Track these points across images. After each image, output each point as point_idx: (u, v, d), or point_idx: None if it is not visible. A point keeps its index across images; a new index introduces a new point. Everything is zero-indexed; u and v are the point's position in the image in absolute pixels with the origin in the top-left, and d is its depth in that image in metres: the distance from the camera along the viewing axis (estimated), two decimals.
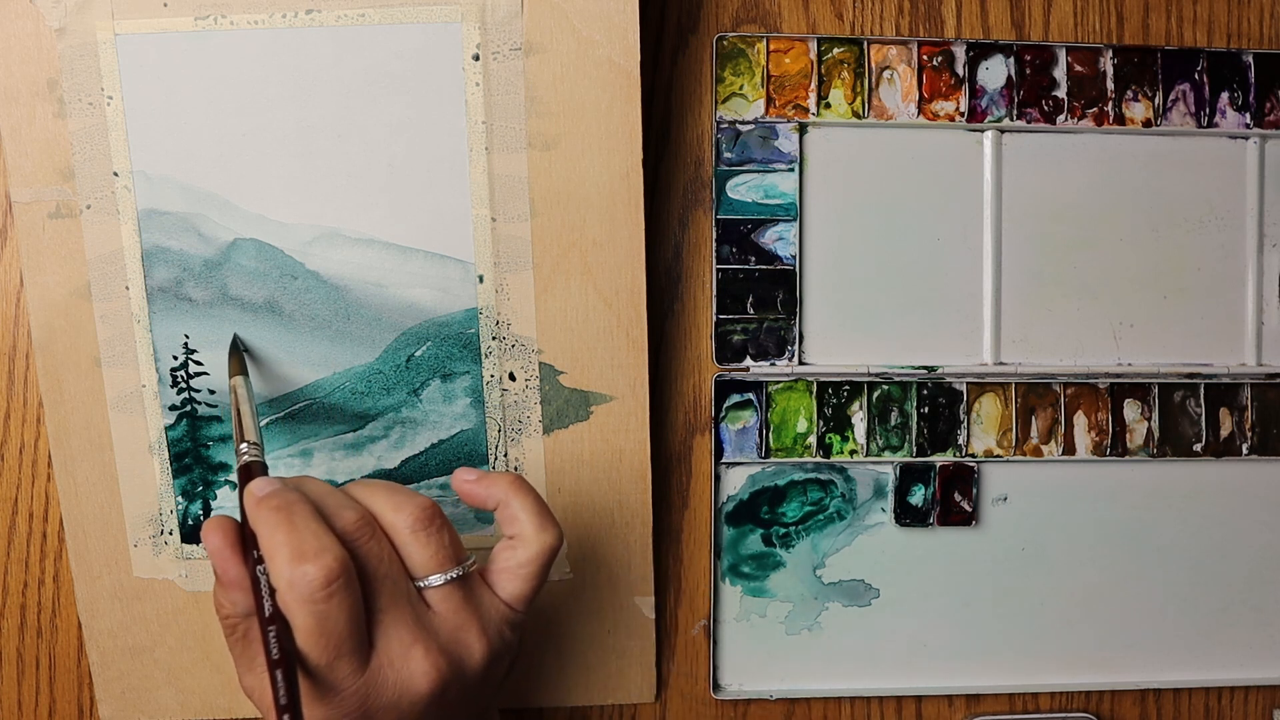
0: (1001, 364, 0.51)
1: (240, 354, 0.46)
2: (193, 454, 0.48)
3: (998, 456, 0.52)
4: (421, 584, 0.37)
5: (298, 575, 0.33)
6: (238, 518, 0.37)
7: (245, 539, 0.36)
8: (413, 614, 0.36)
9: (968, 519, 0.52)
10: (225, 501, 0.48)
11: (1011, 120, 0.51)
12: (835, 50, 0.50)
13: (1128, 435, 0.52)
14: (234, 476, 0.48)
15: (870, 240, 0.51)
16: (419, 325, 0.47)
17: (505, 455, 0.48)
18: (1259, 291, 0.52)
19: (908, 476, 0.52)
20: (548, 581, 0.49)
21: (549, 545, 0.39)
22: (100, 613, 0.49)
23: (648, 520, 0.49)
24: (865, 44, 0.50)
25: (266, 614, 0.34)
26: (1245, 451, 0.52)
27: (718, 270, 0.50)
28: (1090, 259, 0.52)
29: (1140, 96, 0.51)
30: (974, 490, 0.52)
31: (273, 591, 0.34)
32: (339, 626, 0.34)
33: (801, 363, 0.51)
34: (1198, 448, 0.52)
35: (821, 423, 0.51)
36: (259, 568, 0.35)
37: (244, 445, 0.39)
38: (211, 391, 0.47)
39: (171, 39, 0.45)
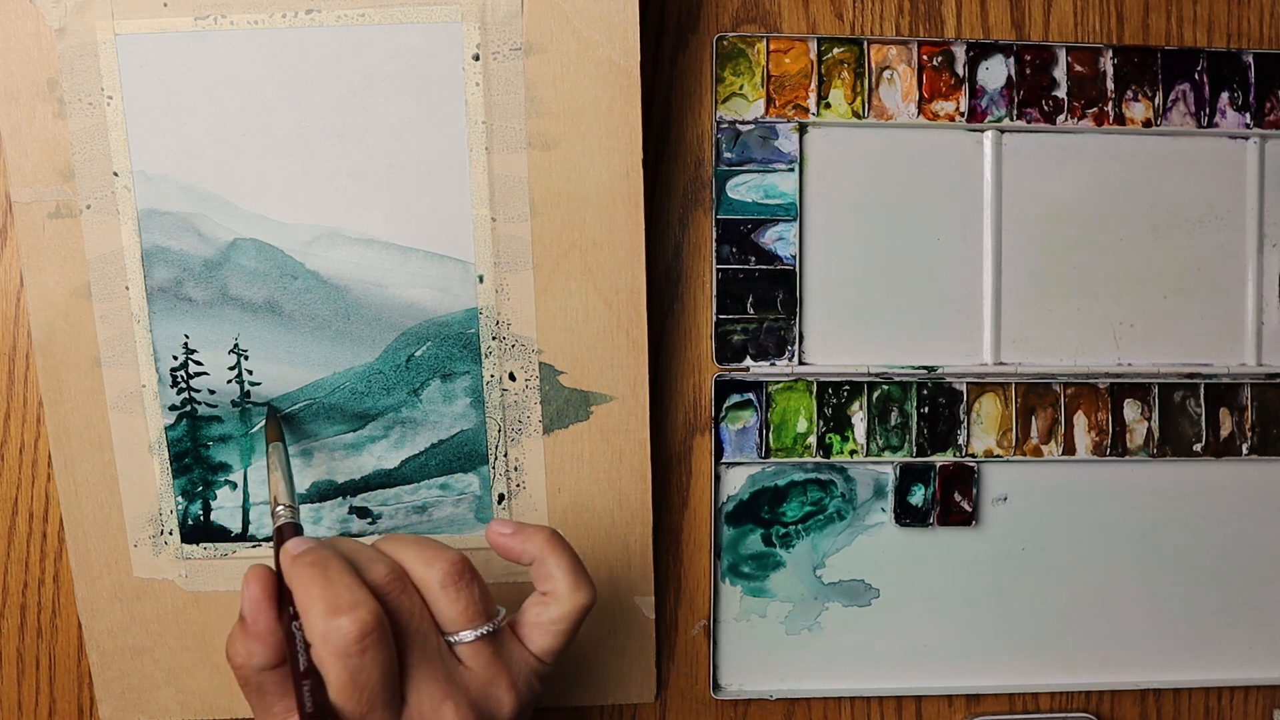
0: (1001, 364, 0.51)
1: (277, 420, 0.46)
2: (193, 454, 0.48)
3: (998, 456, 0.52)
4: (452, 639, 0.37)
5: (333, 629, 0.34)
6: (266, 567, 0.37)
7: (281, 595, 0.36)
8: (444, 669, 0.36)
9: (968, 519, 0.52)
10: (225, 502, 0.48)
11: (1011, 120, 0.51)
12: (835, 50, 0.50)
13: (1128, 435, 0.52)
14: (234, 477, 0.48)
15: (870, 240, 0.51)
16: (419, 325, 0.47)
17: (505, 455, 0.48)
18: (1259, 291, 0.52)
19: (908, 476, 0.52)
20: None
21: (582, 605, 0.39)
22: (100, 613, 0.49)
23: (648, 520, 0.49)
24: (865, 44, 0.50)
25: (301, 668, 0.35)
26: (1245, 451, 0.52)
27: (718, 270, 0.50)
28: (1090, 259, 0.52)
29: (1140, 96, 0.51)
30: (974, 490, 0.52)
31: (307, 647, 0.35)
32: (372, 680, 0.34)
33: (801, 363, 0.51)
34: (1198, 448, 0.52)
35: (821, 423, 0.51)
36: (294, 624, 0.35)
37: (280, 508, 0.40)
38: (211, 391, 0.47)
39: (171, 39, 0.45)
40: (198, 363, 0.47)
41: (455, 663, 0.37)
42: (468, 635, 0.37)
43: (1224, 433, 0.52)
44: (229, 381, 0.47)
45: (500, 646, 0.38)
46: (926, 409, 0.51)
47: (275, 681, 0.36)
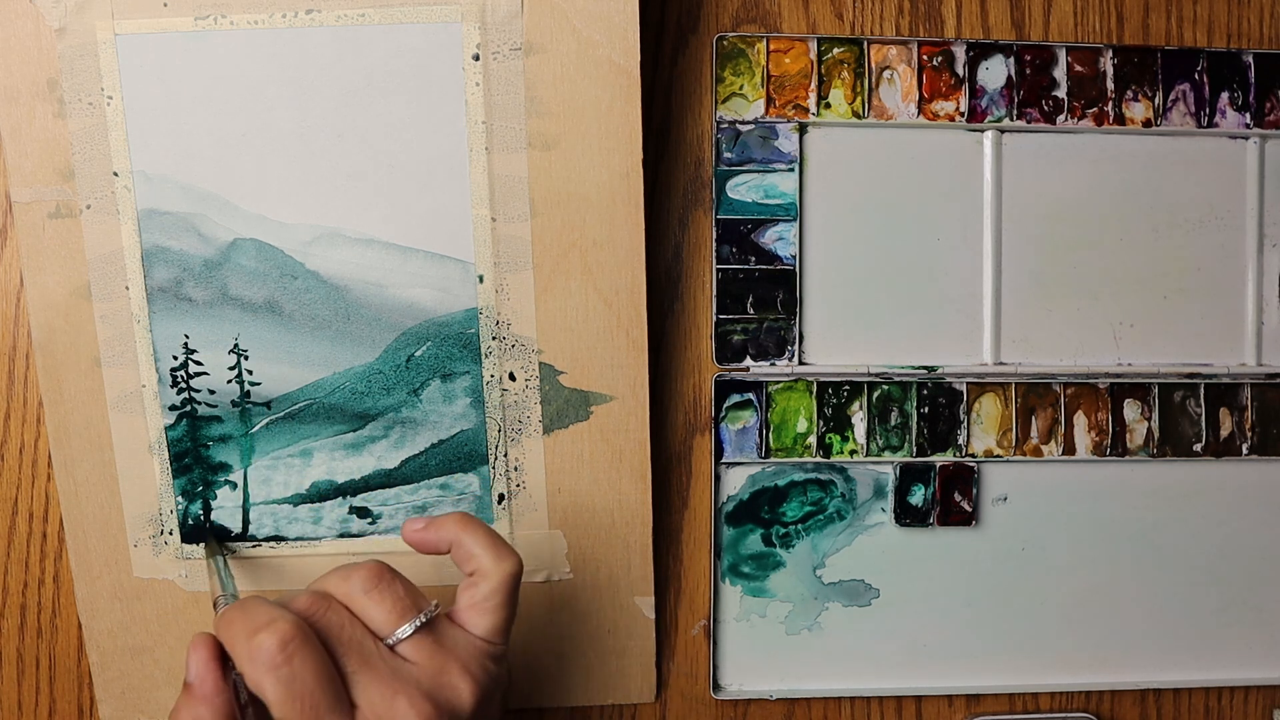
0: (1001, 364, 0.51)
1: (213, 537, 0.48)
2: (193, 454, 0.48)
3: (998, 456, 0.52)
4: (390, 640, 0.37)
5: (255, 646, 0.34)
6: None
7: (225, 660, 0.37)
8: (387, 668, 0.36)
9: (968, 519, 0.52)
10: (225, 501, 0.48)
11: (1011, 120, 0.51)
12: (835, 50, 0.50)
13: (1128, 435, 0.52)
14: (234, 477, 0.48)
15: (870, 240, 0.51)
16: (419, 325, 0.47)
17: (505, 455, 0.48)
18: (1259, 291, 0.52)
19: (908, 476, 0.52)
20: (549, 582, 0.49)
21: (509, 573, 0.39)
22: (100, 613, 0.49)
23: (648, 520, 0.49)
24: (865, 44, 0.50)
25: (242, 702, 0.36)
26: (1245, 451, 0.52)
27: (718, 270, 0.50)
28: (1090, 259, 0.52)
29: (1140, 96, 0.51)
30: (974, 490, 0.52)
31: (245, 683, 0.35)
32: (308, 685, 0.34)
33: (801, 363, 0.51)
34: (1198, 448, 0.52)
35: (821, 423, 0.51)
36: (233, 675, 0.36)
37: (219, 599, 0.42)
38: (211, 391, 0.47)
39: (171, 39, 0.45)
40: (198, 363, 0.47)
41: (399, 661, 0.37)
42: (404, 630, 0.37)
43: (1224, 433, 0.52)
44: (229, 381, 0.47)
45: (441, 636, 0.38)
46: (926, 409, 0.51)
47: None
